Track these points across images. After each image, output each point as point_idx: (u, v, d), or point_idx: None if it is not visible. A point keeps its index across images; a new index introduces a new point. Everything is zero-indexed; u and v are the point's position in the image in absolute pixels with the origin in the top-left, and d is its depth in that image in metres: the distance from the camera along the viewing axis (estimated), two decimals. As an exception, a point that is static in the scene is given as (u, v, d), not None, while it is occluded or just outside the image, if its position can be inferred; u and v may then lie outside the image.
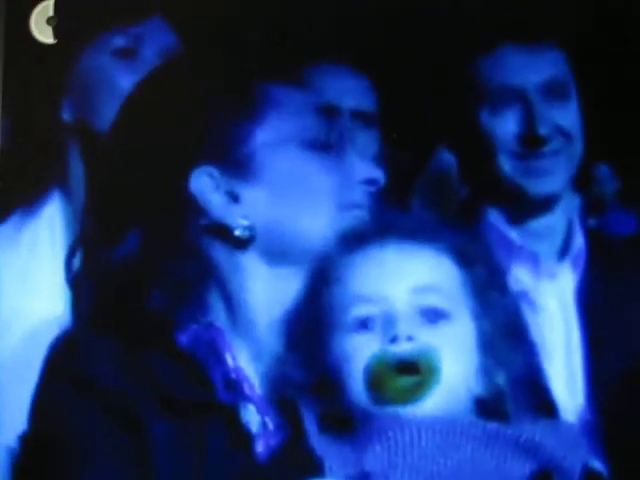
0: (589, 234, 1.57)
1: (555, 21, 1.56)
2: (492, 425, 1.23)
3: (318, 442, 1.22)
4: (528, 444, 1.22)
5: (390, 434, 1.20)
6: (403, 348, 1.20)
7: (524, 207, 1.56)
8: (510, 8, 1.56)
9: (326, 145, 1.31)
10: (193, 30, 1.53)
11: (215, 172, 1.25)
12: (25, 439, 1.27)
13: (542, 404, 1.36)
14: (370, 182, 1.30)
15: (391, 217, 1.32)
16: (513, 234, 1.55)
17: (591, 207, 1.61)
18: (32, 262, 1.57)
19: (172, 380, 1.24)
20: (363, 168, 1.31)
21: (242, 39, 1.51)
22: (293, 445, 1.24)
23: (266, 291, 1.29)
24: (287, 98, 1.31)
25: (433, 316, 1.22)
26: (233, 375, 1.27)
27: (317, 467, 1.20)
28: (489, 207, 1.56)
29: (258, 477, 1.23)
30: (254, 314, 1.28)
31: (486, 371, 1.25)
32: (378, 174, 1.31)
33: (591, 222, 1.59)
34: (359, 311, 1.24)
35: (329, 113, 1.53)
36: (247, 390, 1.27)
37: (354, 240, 1.28)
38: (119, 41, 1.53)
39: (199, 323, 1.27)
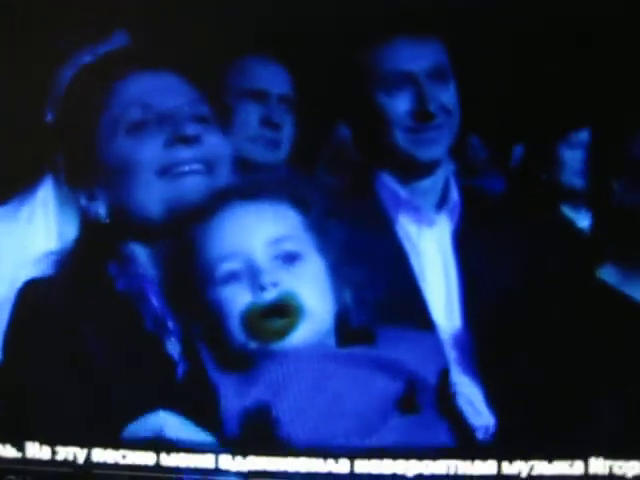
0: (463, 191, 1.71)
1: (436, 15, 1.64)
2: (354, 349, 1.31)
3: (213, 374, 1.28)
4: (389, 361, 1.29)
5: (271, 369, 1.26)
6: (271, 294, 1.28)
7: (412, 170, 1.68)
8: (400, 3, 1.65)
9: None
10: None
11: None
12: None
13: (414, 320, 1.53)
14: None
15: (230, 182, 1.40)
16: (401, 191, 1.68)
17: (465, 170, 1.74)
18: (29, 231, 1.63)
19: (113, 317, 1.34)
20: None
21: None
22: (193, 375, 1.31)
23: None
24: None
25: (289, 260, 1.30)
26: (159, 314, 1.36)
27: (213, 394, 1.27)
28: (383, 171, 1.70)
29: (174, 397, 1.30)
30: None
31: (337, 295, 1.32)
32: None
33: (465, 182, 1.72)
34: (225, 268, 1.30)
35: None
36: (170, 326, 1.36)
37: (206, 207, 1.34)
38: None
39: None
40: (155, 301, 1.38)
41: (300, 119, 1.83)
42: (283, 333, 1.27)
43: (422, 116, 1.64)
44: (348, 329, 1.34)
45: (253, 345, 1.28)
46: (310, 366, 1.27)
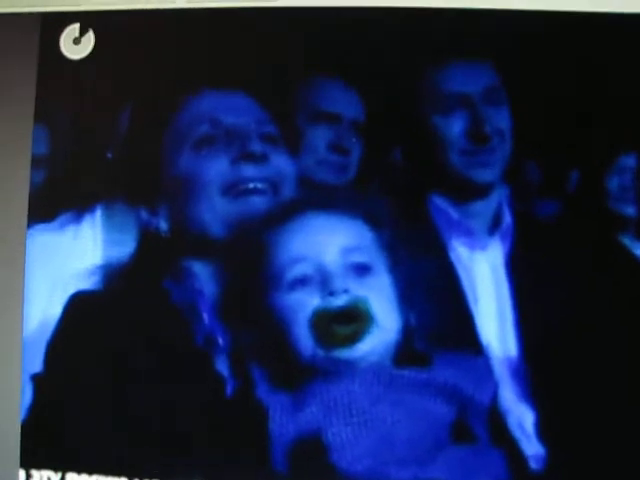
0: (517, 216, 1.66)
1: (488, 40, 1.63)
2: (410, 370, 1.30)
3: (266, 394, 1.27)
4: (443, 385, 1.29)
5: (323, 389, 1.25)
6: (341, 299, 1.29)
7: (466, 192, 1.64)
8: (452, 28, 1.63)
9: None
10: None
11: None
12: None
13: (467, 345, 1.48)
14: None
15: (309, 194, 1.40)
16: (454, 213, 1.63)
17: (519, 194, 1.68)
18: (75, 247, 1.58)
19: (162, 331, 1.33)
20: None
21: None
22: (242, 395, 1.29)
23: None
24: None
25: (360, 270, 1.31)
26: (208, 330, 1.35)
27: (262, 415, 1.26)
28: (436, 192, 1.64)
29: (224, 415, 1.29)
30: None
31: (402, 314, 1.32)
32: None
33: (519, 206, 1.66)
34: (295, 271, 1.30)
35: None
36: (221, 343, 1.34)
37: (278, 215, 1.34)
38: None
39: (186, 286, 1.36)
40: (207, 317, 1.37)
41: (367, 144, 1.74)
42: (353, 339, 1.26)
43: (477, 138, 1.59)
44: (409, 348, 1.32)
45: (320, 353, 1.26)
46: (365, 388, 1.26)
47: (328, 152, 1.69)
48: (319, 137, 1.69)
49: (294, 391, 1.27)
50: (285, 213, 1.34)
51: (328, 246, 1.30)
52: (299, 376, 1.28)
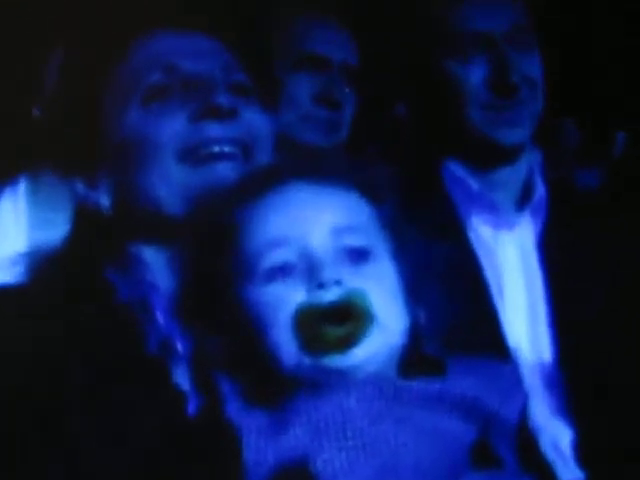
0: (551, 186, 1.57)
1: None
2: (419, 381, 1.20)
3: (238, 413, 1.18)
4: (461, 398, 1.19)
5: (315, 408, 1.16)
6: (333, 293, 1.16)
7: (488, 157, 1.55)
8: None
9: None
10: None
11: None
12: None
13: (490, 348, 1.41)
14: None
15: (293, 157, 1.29)
16: (474, 183, 1.54)
17: (553, 160, 1.62)
18: None
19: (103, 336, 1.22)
20: None
21: None
22: (208, 414, 1.20)
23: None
24: None
25: (356, 256, 1.19)
26: (163, 333, 1.25)
27: (234, 439, 1.16)
28: (452, 158, 1.56)
29: (185, 440, 1.18)
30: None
31: (409, 311, 1.22)
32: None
33: (553, 175, 1.59)
34: (274, 257, 1.19)
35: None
36: (180, 349, 1.25)
37: (252, 185, 1.23)
38: None
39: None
40: (161, 317, 1.25)
41: (363, 95, 1.73)
42: (347, 342, 1.14)
43: (502, 88, 1.51)
44: (418, 353, 1.22)
45: (307, 361, 1.14)
46: (363, 404, 1.15)
47: (314, 105, 1.70)
48: (302, 86, 1.71)
49: (274, 409, 1.17)
50: (260, 183, 1.22)
51: (315, 225, 1.17)
52: (280, 390, 1.16)
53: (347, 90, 1.70)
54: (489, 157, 1.55)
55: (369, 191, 1.24)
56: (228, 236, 1.21)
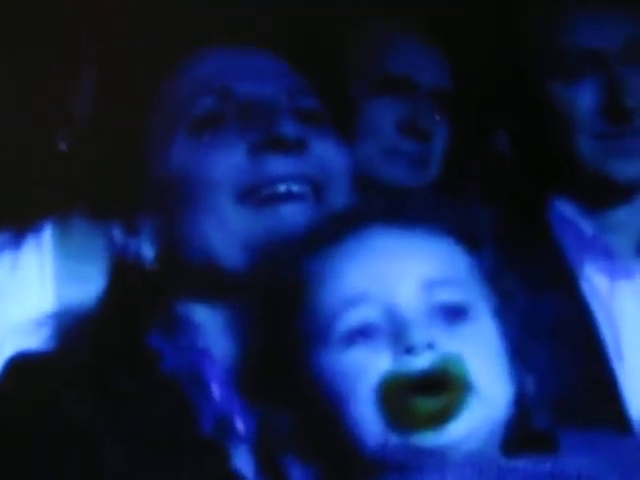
0: None
1: None
2: (527, 462, 1.10)
3: None
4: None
5: None
6: (424, 360, 1.07)
7: (602, 195, 1.48)
8: None
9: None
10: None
11: None
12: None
13: (608, 420, 1.35)
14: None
15: (374, 198, 1.21)
16: (585, 225, 1.47)
17: None
18: (13, 283, 1.52)
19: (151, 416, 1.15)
20: None
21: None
22: None
23: None
24: None
25: (451, 315, 1.10)
26: (220, 409, 1.18)
27: None
28: (559, 197, 1.48)
29: None
30: None
31: (514, 378, 1.13)
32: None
33: None
34: (354, 318, 1.10)
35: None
36: (240, 428, 1.17)
37: (325, 231, 1.14)
38: None
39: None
40: (217, 390, 1.17)
41: (456, 123, 1.64)
42: (442, 417, 1.06)
43: (615, 114, 1.44)
44: (526, 428, 1.13)
45: (394, 440, 1.06)
46: None
47: (398, 136, 1.64)
48: (384, 114, 1.65)
49: None
50: (335, 229, 1.14)
51: (402, 278, 1.10)
52: (363, 476, 1.09)
53: (437, 118, 1.61)
54: (603, 194, 1.50)
55: (465, 237, 1.17)
56: (298, 293, 1.14)
